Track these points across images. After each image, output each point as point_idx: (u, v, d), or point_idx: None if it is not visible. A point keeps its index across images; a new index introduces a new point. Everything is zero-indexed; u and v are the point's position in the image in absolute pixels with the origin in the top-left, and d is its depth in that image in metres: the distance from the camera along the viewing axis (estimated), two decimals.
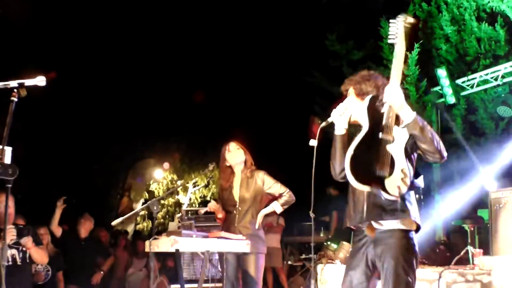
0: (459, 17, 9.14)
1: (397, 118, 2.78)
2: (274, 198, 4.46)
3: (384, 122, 2.77)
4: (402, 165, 2.70)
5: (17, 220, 4.93)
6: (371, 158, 2.72)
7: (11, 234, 4.21)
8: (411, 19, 2.84)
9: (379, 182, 2.68)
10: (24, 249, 4.48)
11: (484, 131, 9.11)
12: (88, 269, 7.08)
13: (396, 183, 2.68)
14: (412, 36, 2.85)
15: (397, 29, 2.84)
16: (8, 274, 3.02)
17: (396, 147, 2.74)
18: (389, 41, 2.87)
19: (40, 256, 4.61)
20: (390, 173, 2.69)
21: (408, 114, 2.73)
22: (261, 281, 4.26)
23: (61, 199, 6.49)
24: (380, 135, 2.75)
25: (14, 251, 4.40)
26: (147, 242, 3.86)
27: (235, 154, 4.46)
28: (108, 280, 7.89)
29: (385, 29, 9.53)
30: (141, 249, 8.59)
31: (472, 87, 8.64)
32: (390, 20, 2.87)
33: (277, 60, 12.98)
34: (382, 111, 2.83)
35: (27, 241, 4.38)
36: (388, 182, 2.68)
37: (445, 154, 2.80)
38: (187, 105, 14.23)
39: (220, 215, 4.42)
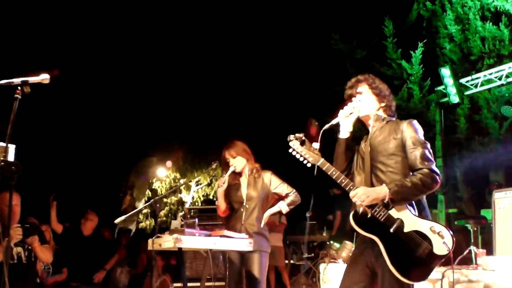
0: (464, 16, 9.11)
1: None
2: (280, 198, 4.45)
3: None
4: None
5: (28, 219, 4.93)
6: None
7: (17, 233, 4.21)
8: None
9: None
10: (29, 247, 4.47)
11: (488, 130, 9.08)
12: (91, 267, 7.07)
13: None
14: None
15: (299, 152, 2.92)
16: (14, 272, 3.01)
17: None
18: (309, 165, 2.93)
19: (45, 255, 4.59)
20: None
21: (383, 194, 2.76)
22: (265, 279, 4.24)
23: (51, 197, 6.51)
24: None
25: (20, 249, 4.38)
26: (150, 241, 3.85)
27: (237, 164, 4.38)
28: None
29: (389, 28, 9.50)
30: None
31: (476, 86, 8.61)
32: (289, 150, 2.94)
33: (281, 59, 12.97)
34: None
35: (33, 240, 4.37)
36: None
37: (434, 183, 2.80)
38: (190, 103, 14.23)
39: (223, 205, 4.38)
